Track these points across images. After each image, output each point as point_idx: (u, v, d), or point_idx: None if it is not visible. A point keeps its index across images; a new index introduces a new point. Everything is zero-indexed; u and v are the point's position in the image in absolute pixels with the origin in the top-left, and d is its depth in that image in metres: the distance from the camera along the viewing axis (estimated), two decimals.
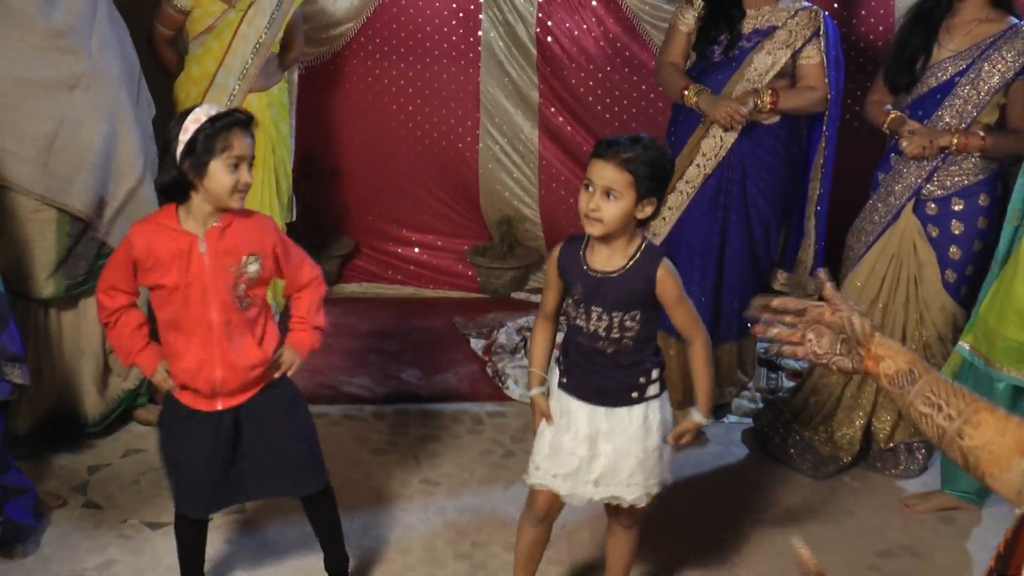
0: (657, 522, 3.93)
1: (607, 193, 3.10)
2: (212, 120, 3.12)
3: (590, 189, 3.13)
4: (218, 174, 3.10)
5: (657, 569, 3.87)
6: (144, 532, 4.01)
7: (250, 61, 4.99)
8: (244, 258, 3.22)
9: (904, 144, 4.28)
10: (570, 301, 3.32)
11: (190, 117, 3.14)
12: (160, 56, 5.11)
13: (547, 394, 3.37)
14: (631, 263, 3.19)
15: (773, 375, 5.35)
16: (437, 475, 4.47)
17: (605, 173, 3.10)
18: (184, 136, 3.11)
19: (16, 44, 3.95)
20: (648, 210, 3.15)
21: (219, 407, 3.30)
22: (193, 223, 3.19)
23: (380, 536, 4.04)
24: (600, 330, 3.23)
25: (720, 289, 4.77)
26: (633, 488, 3.30)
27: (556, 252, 3.34)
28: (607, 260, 3.21)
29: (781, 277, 4.96)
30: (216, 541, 3.93)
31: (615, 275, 3.20)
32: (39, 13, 3.96)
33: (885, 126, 4.40)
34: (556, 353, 3.41)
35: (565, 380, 3.32)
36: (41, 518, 3.92)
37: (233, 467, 3.38)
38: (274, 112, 5.17)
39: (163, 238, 3.17)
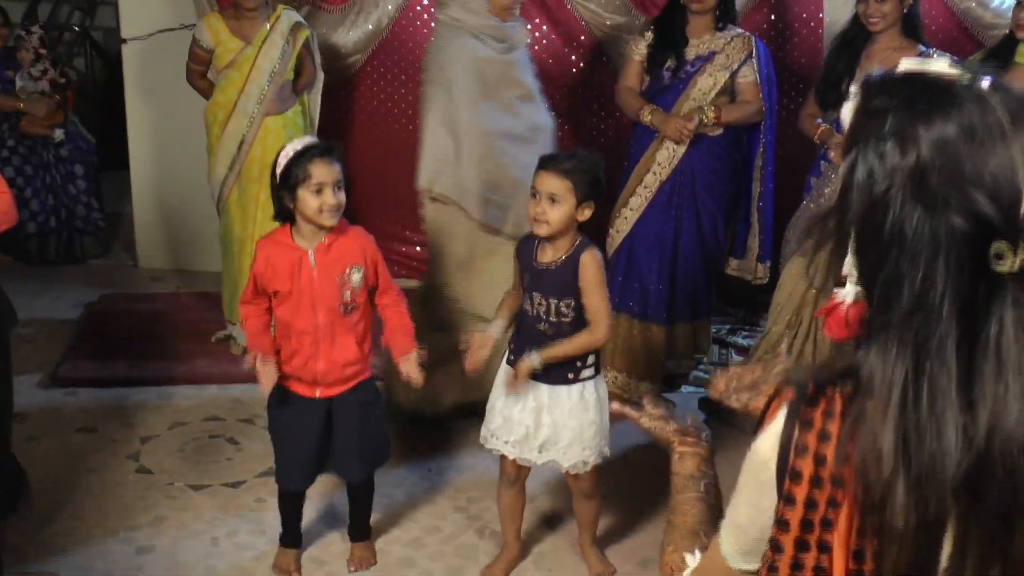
0: (625, 477, 4.01)
1: (551, 199, 3.21)
2: (297, 154, 3.24)
3: (536, 197, 3.23)
4: (307, 200, 3.22)
5: (623, 520, 3.91)
6: (188, 492, 4.05)
7: (266, 88, 5.03)
8: (348, 268, 3.32)
9: (832, 153, 4.31)
10: (521, 286, 3.41)
11: (282, 152, 3.29)
12: (195, 86, 5.17)
13: (491, 355, 3.43)
14: (565, 256, 3.29)
15: (724, 351, 5.39)
16: (437, 440, 4.50)
17: (548, 182, 3.21)
18: (279, 170, 3.26)
19: (494, 101, 4.18)
20: (587, 213, 3.26)
21: (318, 395, 3.41)
22: (302, 240, 3.32)
23: (390, 493, 4.08)
24: (540, 313, 3.32)
25: (676, 277, 4.79)
26: (570, 456, 3.39)
27: (516, 244, 3.49)
28: (550, 255, 3.31)
29: (733, 264, 5.00)
30: (249, 501, 4.00)
31: (553, 266, 3.30)
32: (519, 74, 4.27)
33: (816, 137, 4.45)
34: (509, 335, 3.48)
35: (513, 358, 3.38)
36: (25, 496, 3.82)
37: (324, 448, 3.49)
38: (290, 132, 5.16)
39: (280, 253, 3.31)
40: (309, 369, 3.37)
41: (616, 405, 1.92)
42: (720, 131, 4.61)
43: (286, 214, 3.33)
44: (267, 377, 3.27)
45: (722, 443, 4.51)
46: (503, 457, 3.50)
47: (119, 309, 5.83)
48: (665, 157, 4.63)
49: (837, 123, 4.36)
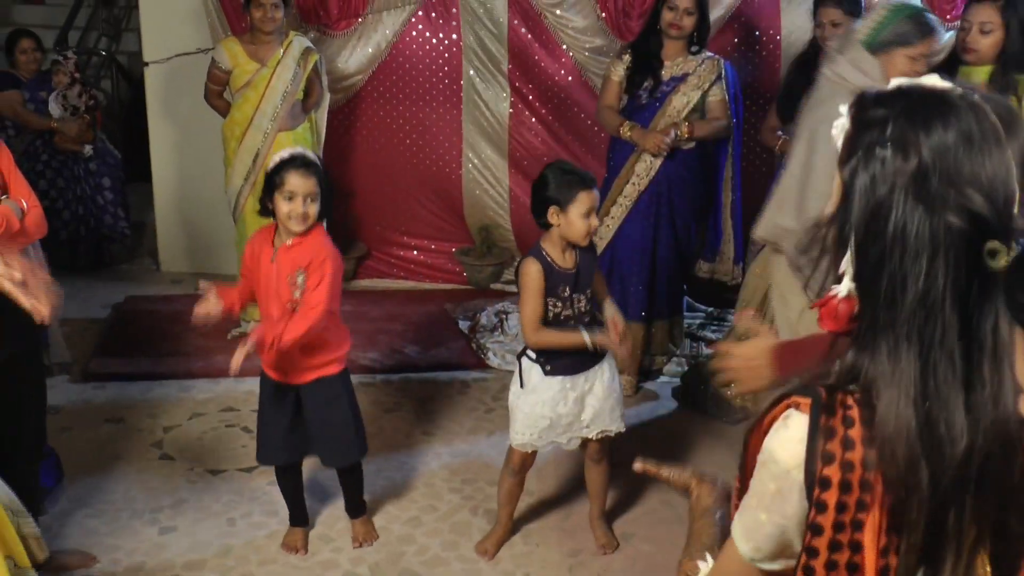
0: (612, 459, 4.03)
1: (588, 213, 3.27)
2: (281, 162, 3.29)
3: (588, 216, 3.26)
4: (279, 204, 3.27)
5: (616, 495, 3.91)
6: (207, 477, 4.06)
7: (279, 107, 5.05)
8: (296, 271, 3.31)
9: None
10: (553, 299, 3.35)
11: (273, 158, 3.36)
12: (212, 105, 5.19)
13: (520, 378, 3.43)
14: (579, 251, 3.38)
15: (695, 345, 5.39)
16: (433, 428, 4.52)
17: (591, 197, 3.27)
18: (267, 172, 3.34)
19: None
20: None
21: (286, 380, 3.43)
22: (279, 239, 3.35)
23: (390, 476, 4.10)
24: (582, 309, 3.41)
25: (654, 278, 4.82)
26: (615, 419, 3.49)
27: (546, 272, 3.32)
28: (572, 259, 3.37)
29: (703, 266, 5.04)
30: (262, 485, 4.02)
31: (577, 266, 3.38)
32: None
33: (777, 148, 4.49)
34: (527, 352, 3.44)
35: (549, 367, 3.37)
36: (60, 481, 3.89)
37: (294, 431, 3.50)
38: (300, 146, 5.21)
39: (260, 246, 3.38)
40: (271, 355, 3.35)
41: (639, 464, 1.92)
42: (693, 145, 4.65)
43: (267, 211, 3.36)
44: (204, 305, 3.28)
45: (693, 428, 4.60)
46: (512, 449, 3.51)
47: (143, 309, 5.83)
48: (643, 169, 4.65)
49: None
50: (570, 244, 3.33)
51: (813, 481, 1.25)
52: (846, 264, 1.27)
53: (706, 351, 5.28)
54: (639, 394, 4.90)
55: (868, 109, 1.27)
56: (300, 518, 3.68)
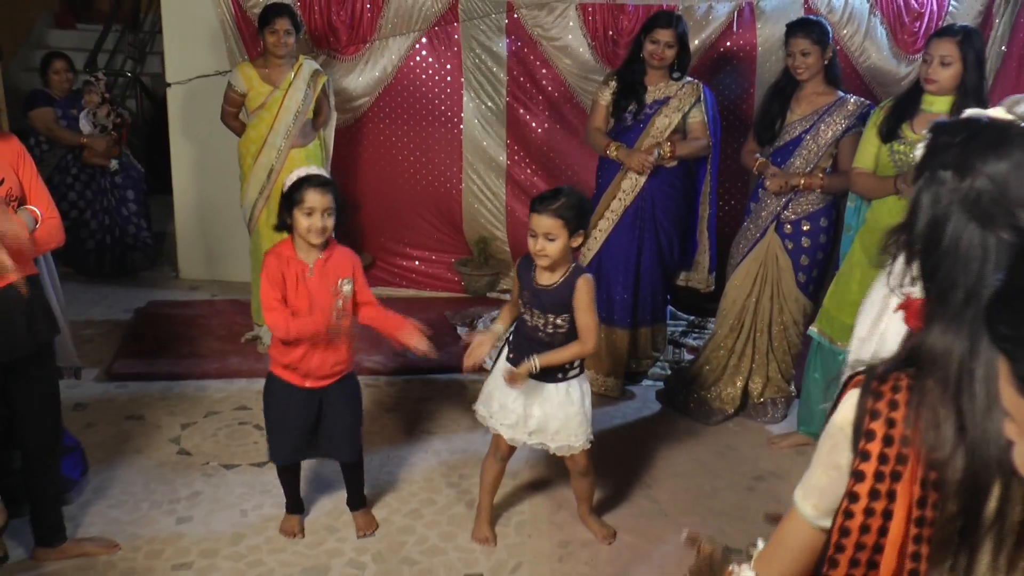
0: (599, 457, 4.03)
1: (547, 237, 3.20)
2: (299, 180, 3.30)
3: (535, 237, 3.22)
4: (298, 219, 3.29)
5: (602, 492, 3.89)
6: (221, 471, 4.06)
7: (292, 126, 5.06)
8: (340, 280, 3.36)
9: (768, 183, 4.38)
10: (521, 300, 3.42)
11: (291, 175, 3.35)
12: (228, 126, 5.20)
13: (495, 359, 3.46)
14: (562, 279, 3.29)
15: (677, 350, 5.39)
16: (433, 426, 4.53)
17: (542, 222, 3.20)
18: (284, 190, 3.34)
19: None
20: (579, 240, 3.25)
21: (307, 385, 3.43)
22: (302, 254, 3.35)
23: (391, 471, 4.10)
24: (539, 325, 3.34)
25: (638, 287, 4.83)
26: (557, 441, 3.42)
27: (516, 264, 3.46)
28: (548, 278, 3.31)
29: (683, 276, 5.06)
30: (272, 478, 4.02)
31: (551, 288, 3.30)
32: None
33: (755, 169, 4.49)
34: (508, 337, 3.49)
35: (512, 356, 3.40)
36: (84, 473, 3.88)
37: (312, 431, 3.52)
38: (311, 162, 5.15)
39: (286, 264, 3.34)
40: (304, 364, 3.39)
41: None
42: (675, 163, 4.67)
43: (284, 227, 3.38)
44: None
45: (675, 428, 4.60)
46: (497, 435, 3.52)
47: (163, 314, 5.84)
48: (629, 186, 4.67)
49: (773, 157, 4.42)
50: (552, 268, 3.30)
51: (859, 434, 1.34)
52: (916, 270, 1.36)
53: (687, 357, 5.29)
54: (624, 396, 4.91)
55: (939, 136, 1.37)
56: (298, 506, 3.72)
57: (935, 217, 1.31)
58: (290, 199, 3.31)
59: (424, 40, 5.99)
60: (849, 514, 1.35)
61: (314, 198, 3.27)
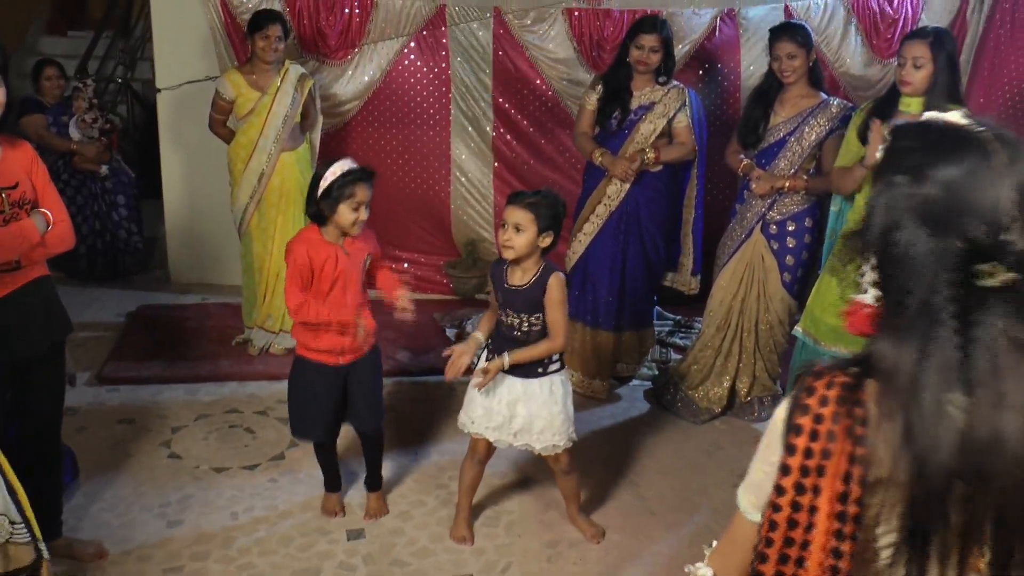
0: (587, 457, 4.02)
1: (516, 228, 3.23)
2: (344, 175, 3.33)
3: (505, 227, 3.25)
4: (345, 213, 3.36)
5: (590, 492, 3.89)
6: (211, 474, 4.02)
7: (281, 129, 5.02)
8: (365, 257, 3.51)
9: (753, 185, 4.36)
10: (496, 301, 3.43)
11: (330, 169, 3.37)
12: (217, 133, 5.15)
13: (476, 363, 3.44)
14: (534, 279, 3.30)
15: (664, 350, 5.37)
16: (423, 428, 4.49)
17: (515, 213, 3.24)
18: (324, 184, 3.35)
19: None
20: (547, 241, 3.27)
21: (340, 362, 3.50)
22: (330, 237, 3.43)
23: (382, 473, 4.04)
24: (514, 324, 3.35)
25: (623, 291, 4.80)
26: (542, 440, 3.41)
27: (489, 268, 3.50)
28: (519, 277, 3.32)
29: (669, 277, 5.03)
30: (263, 481, 3.98)
31: (523, 287, 3.31)
32: None
33: (740, 171, 4.48)
34: (487, 343, 3.48)
35: (490, 358, 3.39)
36: (75, 477, 3.86)
37: (336, 407, 3.58)
38: (301, 165, 5.16)
39: (316, 249, 3.41)
40: (339, 341, 3.47)
41: None
42: (660, 168, 4.63)
43: (320, 217, 3.43)
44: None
45: (662, 427, 4.58)
46: (474, 439, 3.51)
47: (154, 317, 5.79)
48: (614, 191, 4.64)
49: (757, 158, 4.40)
50: (518, 262, 3.32)
51: (790, 428, 1.34)
52: (869, 274, 1.33)
53: (675, 357, 5.27)
54: (612, 397, 4.88)
55: (897, 140, 1.34)
56: (335, 484, 3.78)
57: (888, 223, 1.27)
58: (336, 192, 3.34)
59: (412, 44, 5.96)
60: (776, 508, 1.34)
61: (363, 192, 3.38)
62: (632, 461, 4.25)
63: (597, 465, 4.15)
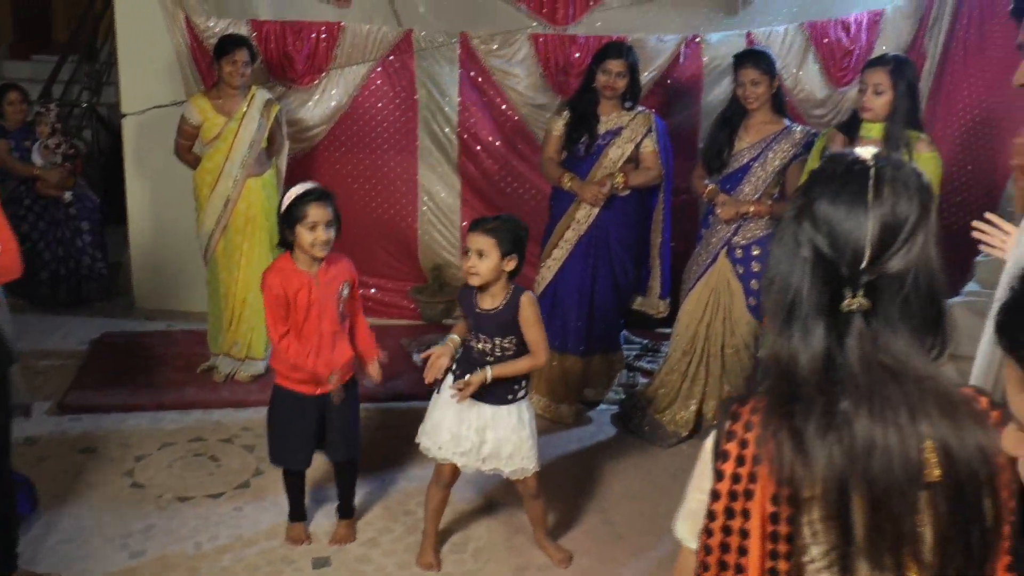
0: (555, 481, 4.01)
1: (479, 254, 3.26)
2: (298, 196, 3.36)
3: (468, 254, 3.28)
4: (303, 234, 3.35)
5: (557, 516, 3.88)
6: (175, 504, 3.96)
7: (247, 154, 4.99)
8: (341, 285, 3.47)
9: (718, 210, 4.38)
10: (467, 327, 3.44)
11: (287, 195, 3.40)
12: (182, 159, 5.12)
13: (438, 389, 3.46)
14: (504, 302, 3.32)
15: (631, 374, 5.37)
16: (389, 454, 4.44)
17: (476, 240, 3.27)
18: (282, 208, 3.39)
19: None
20: (511, 264, 3.29)
21: (318, 392, 3.49)
22: (303, 266, 3.41)
23: None
24: (486, 350, 3.35)
25: (592, 316, 4.80)
26: (510, 464, 3.42)
27: (457, 294, 3.53)
28: (489, 302, 3.33)
29: (637, 300, 5.04)
30: (228, 510, 3.93)
31: (493, 311, 3.33)
32: None
33: (704, 196, 4.51)
34: (453, 368, 3.47)
35: (459, 374, 3.38)
36: (35, 508, 3.79)
37: (318, 435, 3.58)
38: (267, 191, 5.12)
39: (289, 278, 3.40)
40: (314, 372, 3.44)
41: None
42: (628, 192, 4.65)
43: (286, 243, 3.44)
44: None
45: (630, 451, 4.57)
46: (439, 464, 3.50)
47: (118, 345, 5.70)
48: (583, 216, 4.65)
49: (722, 183, 4.42)
50: (485, 287, 3.34)
51: (717, 456, 1.38)
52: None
53: (642, 381, 5.27)
54: (582, 420, 4.87)
55: (814, 172, 1.42)
56: (301, 514, 3.75)
57: (779, 234, 1.38)
58: (291, 216, 3.35)
59: (379, 69, 5.95)
60: (709, 532, 1.38)
61: (316, 212, 3.35)
62: (600, 485, 4.23)
63: (565, 489, 4.13)
